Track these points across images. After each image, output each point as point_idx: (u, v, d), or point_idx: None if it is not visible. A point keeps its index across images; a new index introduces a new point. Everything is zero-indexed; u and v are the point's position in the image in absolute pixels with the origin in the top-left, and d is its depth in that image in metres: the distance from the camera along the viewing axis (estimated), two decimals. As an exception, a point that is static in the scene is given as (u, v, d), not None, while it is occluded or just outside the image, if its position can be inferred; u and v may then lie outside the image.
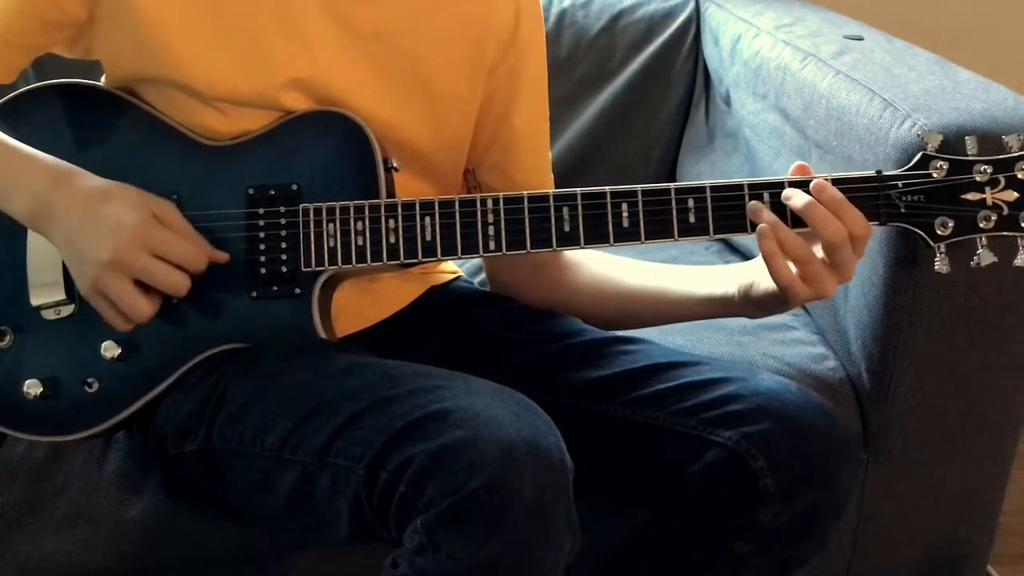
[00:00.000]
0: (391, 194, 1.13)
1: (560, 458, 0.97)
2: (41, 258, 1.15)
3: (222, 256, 1.12)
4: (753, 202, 1.07)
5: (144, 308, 1.10)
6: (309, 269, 1.11)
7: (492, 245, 1.10)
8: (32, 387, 1.14)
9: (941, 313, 1.33)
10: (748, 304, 1.18)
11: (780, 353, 1.42)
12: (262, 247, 1.12)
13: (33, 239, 1.15)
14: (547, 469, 0.95)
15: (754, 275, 1.16)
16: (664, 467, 1.14)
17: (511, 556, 0.94)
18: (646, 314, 1.26)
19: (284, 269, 1.12)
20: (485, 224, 1.10)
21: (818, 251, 1.08)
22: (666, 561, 1.18)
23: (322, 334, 1.12)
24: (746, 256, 1.71)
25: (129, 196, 1.09)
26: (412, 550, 0.96)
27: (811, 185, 1.07)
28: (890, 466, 1.43)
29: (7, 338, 1.16)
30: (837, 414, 1.14)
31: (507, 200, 1.10)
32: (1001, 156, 1.06)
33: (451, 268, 1.36)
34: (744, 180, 1.08)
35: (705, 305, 1.21)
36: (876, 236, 1.15)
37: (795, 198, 1.06)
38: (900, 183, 1.07)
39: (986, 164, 1.06)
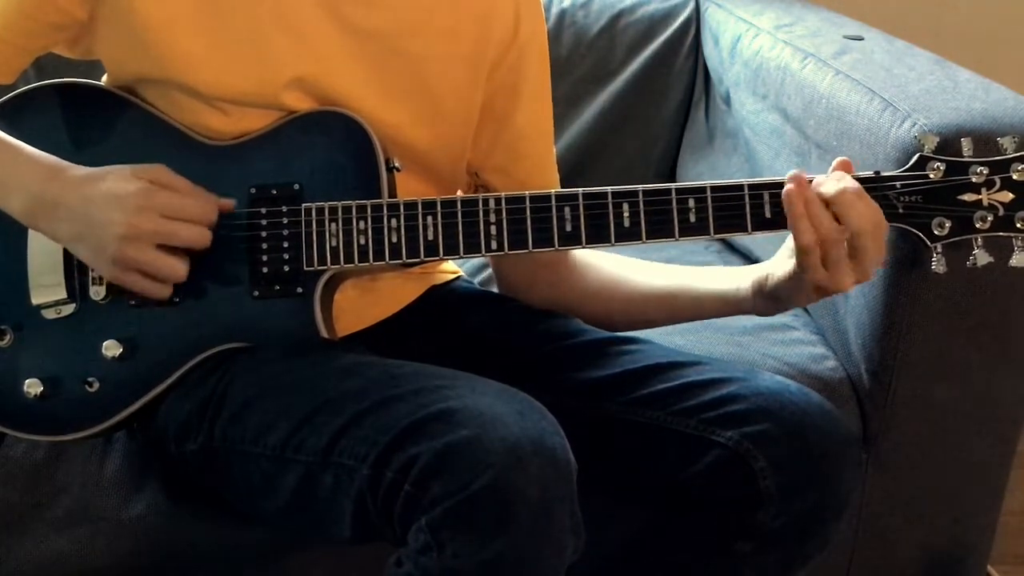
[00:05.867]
0: (393, 194, 1.13)
1: (565, 458, 0.97)
2: (42, 257, 1.15)
3: (229, 204, 1.11)
4: (796, 172, 1.06)
5: (178, 267, 1.09)
6: (311, 268, 1.11)
7: (494, 244, 1.10)
8: (32, 386, 1.14)
9: (940, 313, 1.33)
10: (762, 297, 1.17)
11: (780, 353, 1.42)
12: (264, 246, 1.12)
13: (34, 238, 1.15)
14: (552, 469, 0.95)
15: (768, 269, 1.16)
16: (665, 467, 1.14)
17: (515, 555, 0.94)
18: (658, 315, 1.26)
19: (286, 268, 1.12)
20: (487, 224, 1.10)
21: None
22: (666, 561, 1.18)
23: (324, 333, 1.11)
24: (746, 255, 1.72)
25: (121, 171, 1.09)
26: (417, 549, 0.96)
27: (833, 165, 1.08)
28: (890, 466, 1.43)
29: (7, 337, 1.16)
30: (837, 414, 1.14)
31: (509, 200, 1.10)
32: (996, 157, 1.06)
33: (451, 268, 1.36)
34: (744, 181, 1.09)
35: (719, 303, 1.21)
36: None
37: (826, 184, 1.06)
38: (898, 184, 1.07)
39: (982, 165, 1.06)
